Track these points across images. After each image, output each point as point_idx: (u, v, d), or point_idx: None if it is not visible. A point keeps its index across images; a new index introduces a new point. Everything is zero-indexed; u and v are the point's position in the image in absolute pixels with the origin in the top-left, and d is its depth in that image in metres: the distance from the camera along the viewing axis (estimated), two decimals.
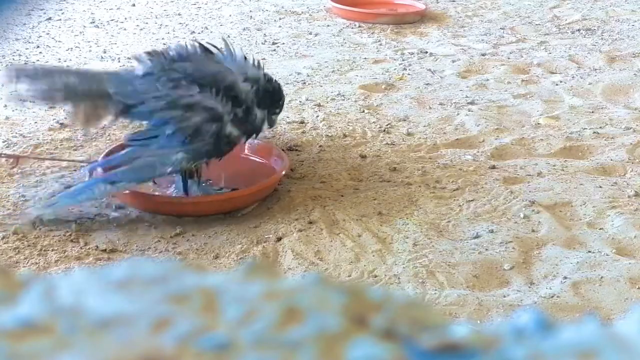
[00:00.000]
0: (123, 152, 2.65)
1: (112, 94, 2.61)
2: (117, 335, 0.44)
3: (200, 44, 2.75)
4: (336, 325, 0.45)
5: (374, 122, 3.42)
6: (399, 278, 2.39)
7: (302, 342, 0.44)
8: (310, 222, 2.65)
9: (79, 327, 0.45)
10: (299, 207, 2.74)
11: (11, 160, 2.89)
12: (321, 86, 3.80)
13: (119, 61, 3.99)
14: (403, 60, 4.17)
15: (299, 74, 3.94)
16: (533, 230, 2.66)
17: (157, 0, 5.04)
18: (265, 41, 4.41)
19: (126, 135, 2.77)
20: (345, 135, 3.28)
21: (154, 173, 2.62)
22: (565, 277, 2.42)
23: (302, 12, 4.94)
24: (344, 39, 4.48)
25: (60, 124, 3.29)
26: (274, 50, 4.28)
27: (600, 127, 3.43)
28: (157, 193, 2.80)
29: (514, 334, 0.47)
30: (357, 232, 2.61)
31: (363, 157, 3.11)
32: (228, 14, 4.90)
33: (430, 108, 3.59)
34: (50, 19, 4.63)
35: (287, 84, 3.80)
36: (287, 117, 3.42)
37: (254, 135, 2.77)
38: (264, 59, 4.13)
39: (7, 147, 3.07)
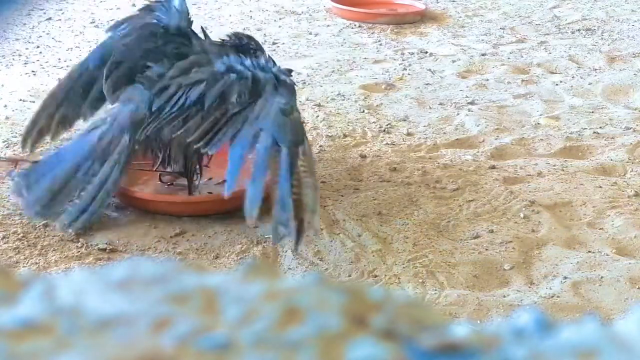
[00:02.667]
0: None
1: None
2: (117, 335, 0.44)
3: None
4: (336, 325, 0.45)
5: (374, 122, 3.42)
6: (399, 278, 2.39)
7: (302, 342, 0.44)
8: (310, 222, 2.65)
9: (79, 327, 0.45)
10: None
11: (10, 164, 2.89)
12: (321, 86, 3.80)
13: None
14: (403, 60, 4.17)
15: (299, 74, 3.94)
16: (533, 230, 2.66)
17: None
18: (265, 41, 4.40)
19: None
20: (345, 135, 3.28)
21: (297, 122, 2.53)
22: (565, 277, 2.42)
23: (302, 12, 4.94)
24: (344, 39, 4.48)
25: None
26: (274, 50, 4.28)
27: (600, 127, 3.43)
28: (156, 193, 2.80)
29: (514, 334, 0.47)
30: (357, 232, 2.61)
31: (363, 157, 3.11)
32: (228, 14, 4.90)
33: (430, 108, 3.59)
34: (50, 19, 4.62)
35: None
36: None
37: None
38: None
39: (7, 147, 3.07)
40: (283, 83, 2.60)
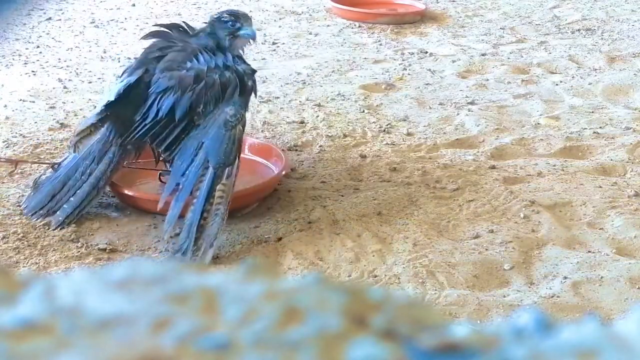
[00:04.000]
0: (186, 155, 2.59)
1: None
2: (117, 335, 0.44)
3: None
4: (336, 325, 0.45)
5: (374, 122, 3.42)
6: (399, 278, 2.39)
7: (302, 342, 0.44)
8: (310, 222, 2.65)
9: (79, 327, 0.45)
10: (299, 207, 2.74)
11: (10, 164, 2.90)
12: (321, 86, 3.80)
13: (119, 61, 3.99)
14: (403, 60, 4.17)
15: (299, 74, 3.94)
16: (533, 230, 2.66)
17: (157, 0, 5.04)
18: (265, 41, 4.41)
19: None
20: (345, 135, 3.28)
21: (233, 140, 2.58)
22: (565, 277, 2.42)
23: (302, 12, 4.94)
24: (344, 39, 4.48)
25: (61, 124, 3.29)
26: (274, 50, 4.28)
27: (600, 127, 3.43)
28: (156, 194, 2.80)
29: (514, 334, 0.47)
30: (357, 232, 2.61)
31: (363, 157, 3.11)
32: None
33: (430, 108, 3.59)
34: (50, 19, 4.62)
35: (287, 84, 3.80)
36: (287, 117, 3.42)
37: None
38: (264, 59, 4.14)
39: (7, 147, 3.07)
40: (244, 88, 2.68)
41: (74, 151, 2.72)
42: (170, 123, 2.60)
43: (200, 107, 2.61)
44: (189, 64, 2.68)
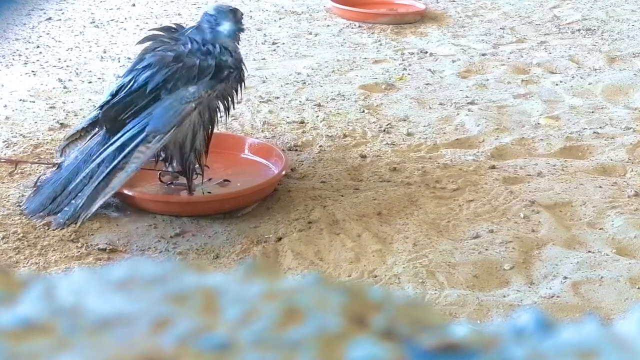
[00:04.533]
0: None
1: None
2: (117, 335, 0.44)
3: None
4: (336, 325, 0.45)
5: (374, 122, 3.42)
6: (399, 278, 2.39)
7: (302, 342, 0.44)
8: (310, 222, 2.65)
9: (79, 327, 0.45)
10: (299, 207, 2.74)
11: (10, 164, 2.90)
12: (321, 86, 3.80)
13: (119, 61, 3.99)
14: (403, 60, 4.17)
15: (299, 74, 3.94)
16: (533, 230, 2.66)
17: (157, 0, 5.04)
18: (265, 41, 4.41)
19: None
20: (345, 135, 3.28)
21: (180, 113, 2.59)
22: (565, 277, 2.42)
23: (302, 12, 4.94)
24: (344, 39, 4.48)
25: (60, 124, 3.29)
26: (274, 50, 4.28)
27: (600, 127, 3.43)
28: (157, 193, 2.80)
29: (514, 334, 0.47)
30: (357, 232, 2.61)
31: (363, 157, 3.11)
32: None
33: (430, 108, 3.59)
34: (50, 19, 4.62)
35: (287, 84, 3.80)
36: (287, 117, 3.42)
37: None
38: (264, 59, 4.14)
39: (7, 147, 3.07)
40: (218, 71, 2.66)
41: (61, 155, 2.75)
42: (141, 96, 2.62)
43: (170, 84, 2.63)
44: (176, 47, 2.71)
